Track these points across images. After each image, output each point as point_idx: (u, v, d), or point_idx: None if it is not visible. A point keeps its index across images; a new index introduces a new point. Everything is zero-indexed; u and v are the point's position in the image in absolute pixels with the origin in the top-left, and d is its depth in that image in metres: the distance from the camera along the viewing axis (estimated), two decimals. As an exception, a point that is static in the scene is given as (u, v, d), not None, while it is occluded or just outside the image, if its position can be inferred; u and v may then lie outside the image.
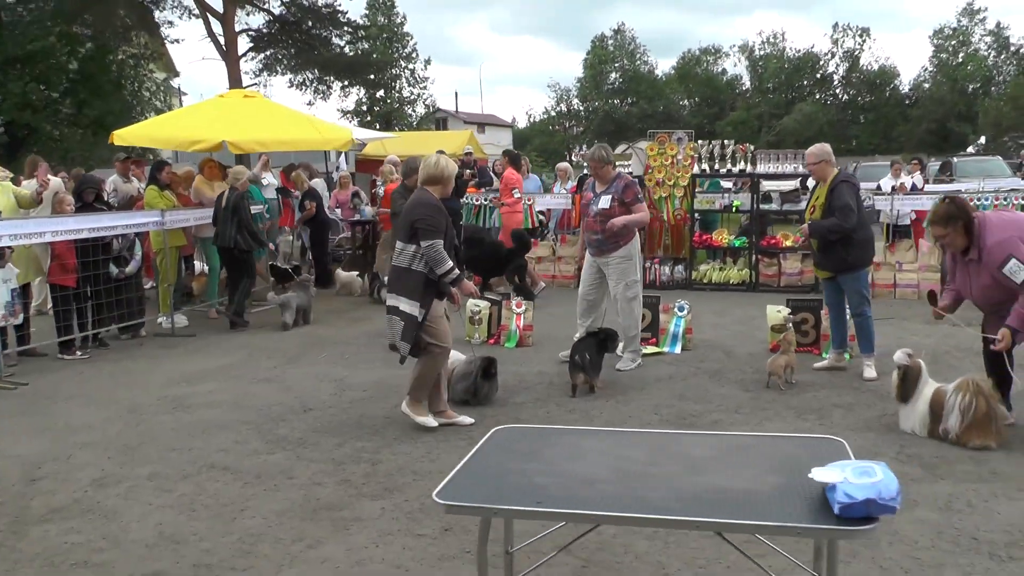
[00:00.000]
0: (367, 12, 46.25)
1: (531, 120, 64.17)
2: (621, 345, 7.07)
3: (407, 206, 5.62)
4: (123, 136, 10.30)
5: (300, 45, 27.21)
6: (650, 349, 7.63)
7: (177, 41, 30.28)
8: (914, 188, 12.99)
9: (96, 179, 9.46)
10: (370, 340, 8.44)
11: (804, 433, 4.89)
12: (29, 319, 8.22)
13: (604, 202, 6.91)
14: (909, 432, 5.20)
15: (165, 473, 4.91)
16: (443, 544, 3.84)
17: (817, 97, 53.70)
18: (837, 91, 54.76)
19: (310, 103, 30.91)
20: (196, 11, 25.15)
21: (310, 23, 26.86)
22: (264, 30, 26.88)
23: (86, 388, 7.00)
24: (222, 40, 24.83)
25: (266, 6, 26.46)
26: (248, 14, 26.66)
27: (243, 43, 26.21)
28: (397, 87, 47.65)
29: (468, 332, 8.24)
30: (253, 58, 27.40)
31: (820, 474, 2.22)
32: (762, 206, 11.81)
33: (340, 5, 27.22)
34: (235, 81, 25.22)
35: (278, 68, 27.94)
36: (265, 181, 10.90)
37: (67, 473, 4.99)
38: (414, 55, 48.47)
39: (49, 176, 9.48)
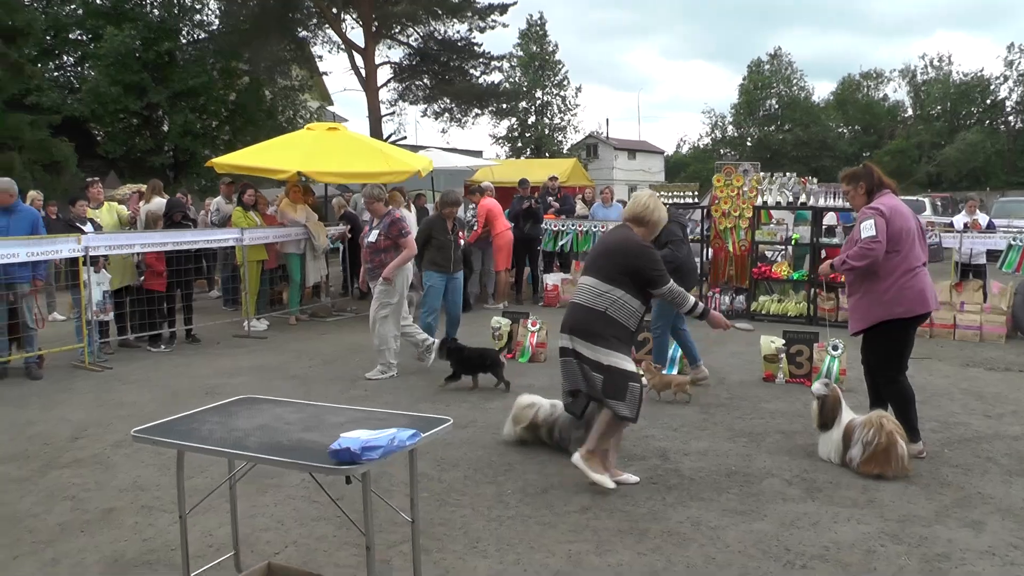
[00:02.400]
0: (520, 42, 48.00)
1: (682, 146, 64.14)
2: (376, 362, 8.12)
3: (616, 243, 5.09)
4: (219, 163, 11.85)
5: (436, 76, 28.95)
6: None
7: (326, 73, 32.65)
8: (990, 226, 12.75)
9: (181, 202, 11.01)
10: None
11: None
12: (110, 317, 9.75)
13: (372, 236, 8.12)
14: (825, 459, 5.56)
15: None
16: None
17: (986, 124, 50.53)
18: (1009, 118, 51.26)
19: (443, 131, 32.78)
20: (343, 45, 27.37)
21: (446, 56, 28.54)
22: (403, 63, 28.80)
23: (149, 375, 8.38)
24: (363, 72, 26.91)
25: (406, 40, 28.41)
26: (389, 47, 28.70)
27: (383, 74, 28.23)
28: (548, 114, 49.04)
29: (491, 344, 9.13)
30: (392, 88, 29.36)
31: (362, 435, 2.83)
32: (823, 239, 11.94)
33: (475, 38, 28.82)
34: (374, 110, 27.24)
35: (410, 98, 29.75)
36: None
37: (99, 436, 6.23)
38: (565, 82, 49.79)
39: (142, 202, 11.07)
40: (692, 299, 5.13)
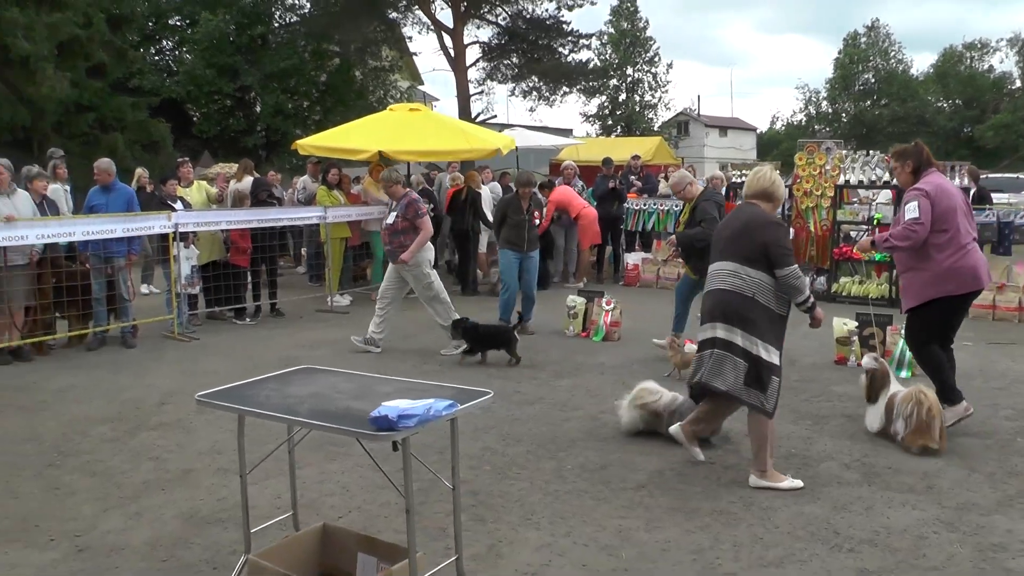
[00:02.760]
0: (611, 18, 47.53)
1: (776, 123, 62.58)
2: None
3: (746, 222, 4.84)
4: (302, 145, 12.22)
5: (524, 55, 28.99)
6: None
7: (415, 54, 33.00)
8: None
9: (267, 182, 11.41)
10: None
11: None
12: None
13: (391, 218, 8.30)
14: (871, 431, 5.69)
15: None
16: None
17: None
18: None
19: (531, 109, 32.74)
20: (432, 26, 27.66)
21: (534, 34, 28.55)
22: (492, 42, 28.94)
23: (233, 346, 8.78)
24: (452, 52, 27.17)
25: (494, 19, 28.51)
26: (477, 27, 28.86)
27: (472, 54, 28.40)
28: (639, 91, 48.46)
29: (563, 324, 9.25)
30: (480, 68, 29.54)
31: (400, 404, 2.96)
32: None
33: (563, 16, 28.74)
34: (462, 90, 27.49)
35: (498, 77, 29.88)
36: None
37: (183, 402, 6.58)
38: (656, 59, 49.10)
39: (233, 181, 11.50)
40: (807, 290, 4.82)
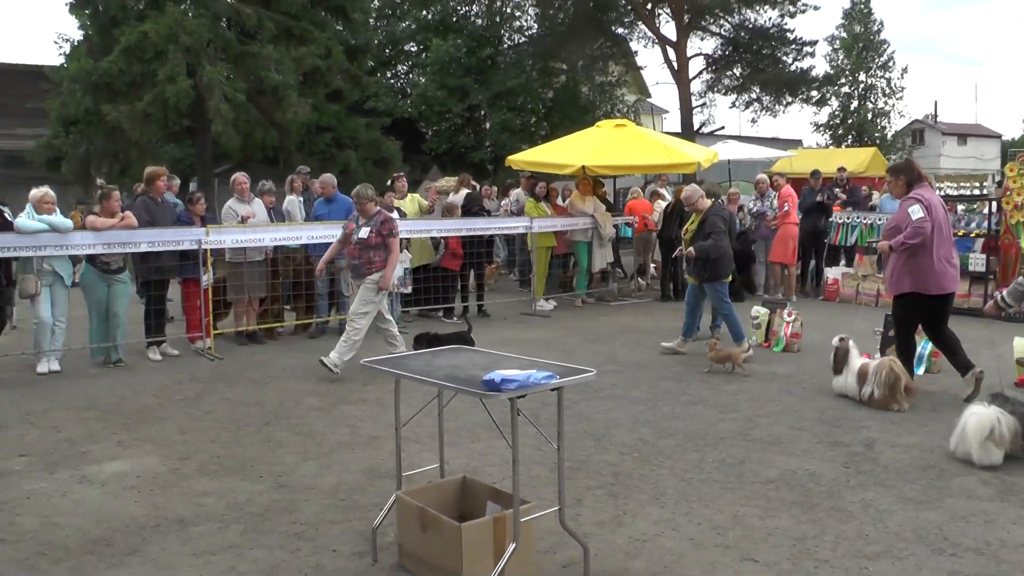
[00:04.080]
0: (843, 22, 45.60)
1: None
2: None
3: None
4: (514, 160, 13.17)
5: (748, 65, 28.73)
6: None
7: (642, 68, 33.37)
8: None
9: (478, 196, 12.43)
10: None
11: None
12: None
13: (363, 232, 8.06)
14: (839, 395, 7.13)
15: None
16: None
17: None
18: None
19: (753, 120, 32.13)
20: (656, 40, 28.09)
21: (757, 44, 28.23)
22: (715, 53, 28.92)
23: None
24: (675, 64, 27.46)
25: (718, 30, 28.49)
26: (701, 39, 28.96)
27: (695, 66, 28.51)
28: (872, 98, 46.10)
29: (747, 335, 9.49)
30: (703, 80, 29.55)
31: (505, 371, 3.60)
32: None
33: (786, 24, 28.24)
34: (685, 102, 27.71)
35: (720, 88, 29.70)
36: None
37: (383, 383, 7.48)
38: (891, 63, 46.48)
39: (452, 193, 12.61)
40: None
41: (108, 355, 8.83)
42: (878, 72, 45.78)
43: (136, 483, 5.27)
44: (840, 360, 7.14)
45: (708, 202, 9.08)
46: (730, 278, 9.10)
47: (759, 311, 9.54)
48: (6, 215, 8.48)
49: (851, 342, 7.19)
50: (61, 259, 8.48)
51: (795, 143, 34.96)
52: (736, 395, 7.30)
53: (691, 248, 8.78)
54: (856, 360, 7.05)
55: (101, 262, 8.61)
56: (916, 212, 6.69)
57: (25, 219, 8.23)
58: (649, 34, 28.48)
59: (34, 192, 8.45)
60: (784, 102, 29.43)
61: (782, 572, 3.96)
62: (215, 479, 5.31)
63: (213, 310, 9.26)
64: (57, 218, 8.40)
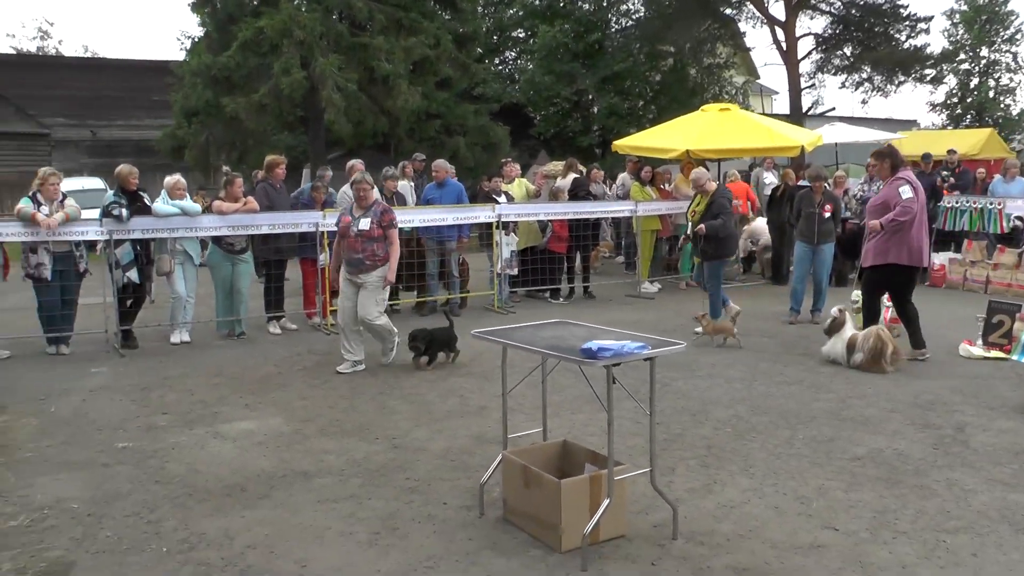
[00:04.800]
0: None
1: None
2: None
3: None
4: (619, 145, 13.40)
5: (859, 44, 27.93)
6: (994, 354, 8.13)
7: (750, 49, 32.78)
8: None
9: (584, 181, 12.66)
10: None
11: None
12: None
13: (364, 224, 7.53)
14: (827, 359, 7.91)
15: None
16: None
17: None
18: None
19: (864, 101, 31.09)
20: (764, 20, 27.63)
21: (869, 21, 27.41)
22: (825, 32, 28.23)
23: (541, 318, 10.04)
24: (784, 45, 26.97)
25: (827, 8, 27.79)
26: (811, 18, 28.34)
27: (804, 46, 27.93)
28: (994, 74, 43.78)
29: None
30: (812, 60, 28.90)
31: (601, 341, 3.94)
32: None
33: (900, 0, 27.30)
34: (794, 83, 27.21)
35: (830, 69, 28.97)
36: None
37: (494, 360, 8.00)
38: (1018, 37, 43.91)
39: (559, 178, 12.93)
40: None
41: (232, 328, 9.58)
42: (1003, 46, 43.41)
43: (263, 440, 5.87)
44: (836, 328, 7.91)
45: (714, 185, 9.67)
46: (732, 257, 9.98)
47: (858, 295, 9.53)
48: (145, 200, 9.27)
49: (848, 315, 7.99)
50: (191, 240, 9.25)
51: (909, 124, 33.79)
52: (832, 377, 7.44)
53: (701, 225, 9.21)
54: (849, 330, 7.82)
55: (226, 243, 9.33)
56: (906, 192, 7.62)
57: (160, 204, 9.05)
58: (757, 14, 28.02)
59: (168, 179, 9.32)
60: (896, 81, 28.52)
61: (860, 540, 4.18)
62: (334, 439, 5.86)
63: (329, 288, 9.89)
64: (187, 203, 9.25)
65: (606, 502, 4.00)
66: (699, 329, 9.21)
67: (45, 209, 8.46)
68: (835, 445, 5.61)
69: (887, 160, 7.99)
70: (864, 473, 5.08)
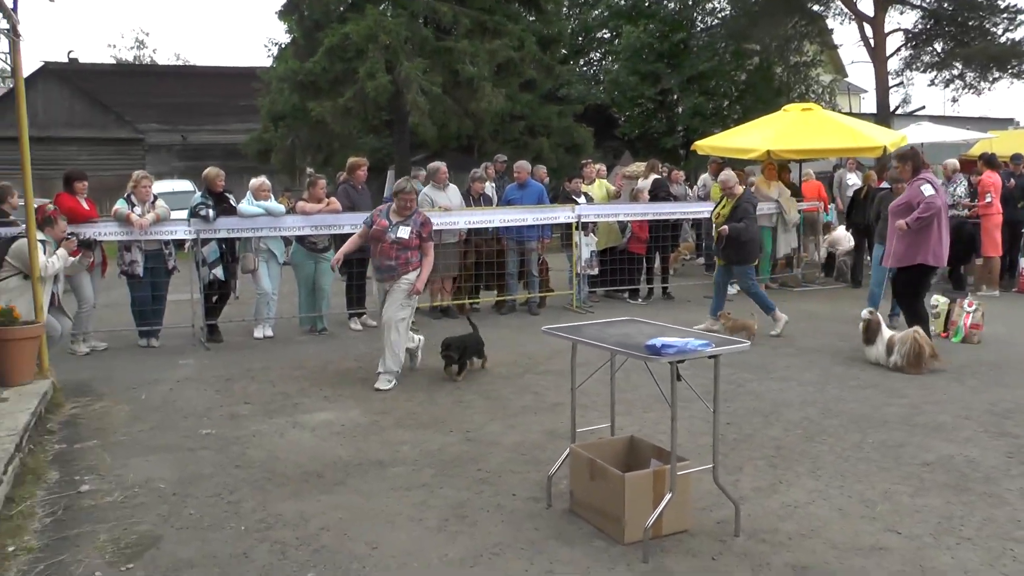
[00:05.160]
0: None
1: None
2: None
3: None
4: (700, 146, 13.39)
5: (951, 39, 27.03)
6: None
7: (838, 46, 32.00)
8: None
9: (665, 182, 12.69)
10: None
11: None
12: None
13: (404, 232, 7.30)
14: (872, 363, 7.97)
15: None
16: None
17: None
18: None
19: (954, 99, 29.91)
20: (852, 17, 26.99)
21: (962, 15, 26.49)
22: (916, 27, 27.40)
23: (601, 318, 10.22)
24: (872, 42, 26.30)
25: (919, 3, 26.96)
26: (900, 13, 27.54)
27: (893, 43, 27.12)
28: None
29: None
30: (900, 57, 28.10)
31: (666, 338, 4.08)
32: None
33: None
34: (881, 81, 26.51)
35: (919, 66, 28.10)
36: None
37: (565, 358, 8.14)
38: None
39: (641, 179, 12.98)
40: None
41: (314, 324, 9.99)
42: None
43: (341, 430, 6.17)
44: (872, 332, 8.04)
45: (742, 188, 9.72)
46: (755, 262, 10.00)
47: (939, 300, 9.39)
48: (231, 201, 9.73)
49: (879, 315, 8.15)
50: (275, 239, 9.69)
51: (1005, 123, 32.45)
52: (906, 382, 7.36)
53: (724, 226, 9.30)
54: (886, 332, 7.97)
55: (309, 242, 9.73)
56: (928, 190, 7.94)
57: (246, 204, 9.53)
58: (845, 10, 27.41)
59: (253, 181, 9.82)
60: (990, 78, 27.43)
61: (923, 545, 4.20)
62: (410, 431, 6.12)
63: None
64: (272, 203, 9.77)
65: (668, 496, 4.12)
66: (775, 331, 9.20)
67: (138, 210, 9.00)
68: (904, 450, 5.59)
69: (909, 162, 8.31)
70: (932, 479, 5.07)
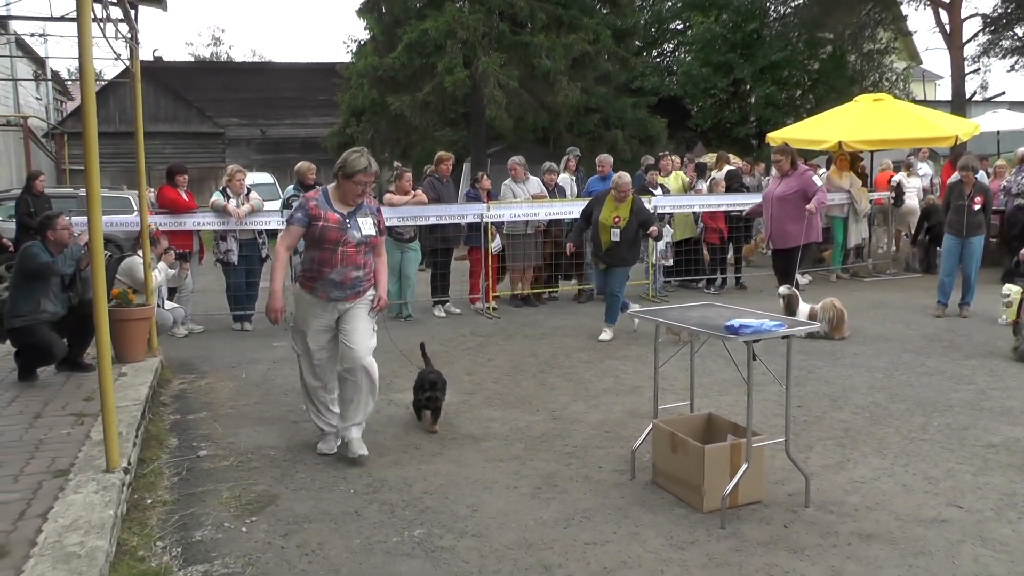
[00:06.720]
0: None
1: None
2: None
3: None
4: (772, 137, 13.58)
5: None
6: None
7: (912, 32, 31.38)
8: None
9: (738, 173, 12.90)
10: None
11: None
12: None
13: (368, 227, 5.45)
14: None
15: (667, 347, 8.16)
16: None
17: None
18: None
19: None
20: (928, 2, 26.53)
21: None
22: (994, 12, 26.81)
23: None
24: (948, 28, 25.83)
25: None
26: (979, -4, 26.96)
27: (970, 28, 26.57)
28: None
29: (998, 312, 9.51)
30: (977, 43, 27.51)
31: (743, 320, 4.49)
32: None
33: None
34: (957, 68, 26.03)
35: (996, 52, 27.47)
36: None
37: (649, 344, 8.60)
38: None
39: (714, 171, 13.29)
40: None
41: (400, 311, 10.53)
42: None
43: (434, 408, 6.66)
44: (792, 306, 8.91)
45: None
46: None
47: (1011, 288, 9.46)
48: (319, 194, 10.35)
49: (795, 290, 9.13)
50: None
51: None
52: (975, 369, 7.59)
53: (653, 227, 9.36)
54: (804, 305, 8.96)
55: (396, 233, 10.27)
56: (819, 181, 9.35)
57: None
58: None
59: (300, 165, 10.29)
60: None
61: (983, 518, 4.52)
62: (499, 410, 6.62)
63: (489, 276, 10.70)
64: None
65: (744, 467, 4.53)
66: (603, 337, 9.02)
67: (233, 201, 9.68)
68: (969, 433, 5.87)
69: (789, 156, 9.59)
70: (996, 459, 5.35)
